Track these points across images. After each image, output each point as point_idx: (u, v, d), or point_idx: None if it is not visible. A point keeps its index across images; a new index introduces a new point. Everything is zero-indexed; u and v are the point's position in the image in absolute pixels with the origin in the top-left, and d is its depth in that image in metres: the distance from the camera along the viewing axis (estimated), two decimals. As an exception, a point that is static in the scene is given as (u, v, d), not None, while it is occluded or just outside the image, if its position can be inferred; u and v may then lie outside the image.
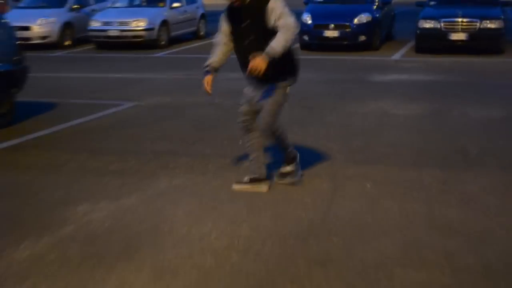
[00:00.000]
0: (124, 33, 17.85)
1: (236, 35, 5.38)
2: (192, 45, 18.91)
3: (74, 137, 7.95)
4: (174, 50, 17.76)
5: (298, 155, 5.82)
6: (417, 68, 13.36)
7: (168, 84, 11.88)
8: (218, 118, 8.76)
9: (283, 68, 5.30)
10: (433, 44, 15.74)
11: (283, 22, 5.09)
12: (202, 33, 20.84)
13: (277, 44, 5.02)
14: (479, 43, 15.41)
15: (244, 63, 5.30)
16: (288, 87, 5.47)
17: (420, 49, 15.93)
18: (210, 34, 21.52)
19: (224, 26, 5.49)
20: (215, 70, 5.64)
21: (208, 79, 5.58)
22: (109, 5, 20.41)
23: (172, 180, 6.06)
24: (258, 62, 4.98)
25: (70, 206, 5.38)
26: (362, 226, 4.85)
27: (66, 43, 18.63)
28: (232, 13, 5.37)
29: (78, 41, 18.95)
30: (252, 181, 5.72)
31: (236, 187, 5.72)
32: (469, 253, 4.34)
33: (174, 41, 18.98)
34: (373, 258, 4.29)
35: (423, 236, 4.64)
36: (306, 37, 16.21)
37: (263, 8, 5.12)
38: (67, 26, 18.79)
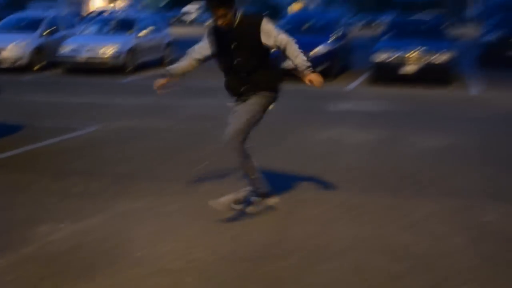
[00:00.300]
0: (92, 59, 17.73)
1: (224, 56, 5.32)
2: (158, 72, 18.82)
3: (39, 159, 7.83)
4: (140, 76, 17.68)
5: (267, 191, 5.59)
6: (371, 98, 13.50)
7: (133, 108, 11.80)
8: (180, 143, 8.72)
9: (262, 84, 5.28)
10: (386, 75, 15.94)
11: (284, 39, 5.16)
12: (168, 60, 20.79)
13: (299, 56, 5.15)
14: (429, 75, 15.65)
15: (233, 82, 5.32)
16: (271, 105, 5.40)
17: (374, 80, 16.12)
18: (175, 61, 21.52)
19: (204, 44, 5.43)
20: (171, 76, 5.63)
21: (160, 80, 5.61)
22: (79, 31, 20.32)
23: (132, 202, 5.99)
24: (319, 79, 5.08)
25: (31, 227, 5.28)
26: (314, 249, 4.85)
27: (36, 67, 18.43)
28: (219, 35, 5.29)
29: (48, 66, 18.78)
30: (262, 197, 5.58)
31: (249, 209, 5.59)
32: (415, 277, 4.37)
33: (140, 67, 18.91)
34: (323, 281, 4.29)
35: (372, 260, 4.66)
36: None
37: (255, 30, 5.12)
38: (38, 50, 18.60)
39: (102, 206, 5.87)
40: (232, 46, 5.19)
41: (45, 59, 18.79)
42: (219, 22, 5.11)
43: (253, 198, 5.57)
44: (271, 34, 5.14)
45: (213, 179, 6.81)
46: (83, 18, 35.53)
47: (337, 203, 6.00)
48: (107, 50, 17.74)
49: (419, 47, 15.86)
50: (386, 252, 4.80)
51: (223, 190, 6.34)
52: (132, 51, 18.36)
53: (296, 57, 5.16)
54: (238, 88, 5.30)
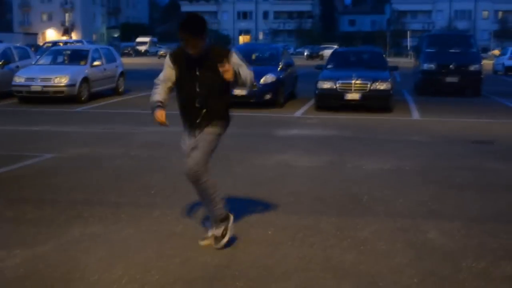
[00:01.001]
0: (46, 89, 17.46)
1: (187, 83, 5.11)
2: (111, 101, 18.67)
3: (-8, 187, 7.60)
4: (94, 105, 17.46)
5: (231, 217, 5.38)
6: (316, 124, 13.62)
7: (87, 137, 11.62)
8: (134, 169, 8.59)
9: (221, 113, 5.18)
10: (330, 102, 16.14)
11: (244, 69, 5.09)
12: (121, 89, 20.69)
13: (245, 73, 5.09)
14: (371, 102, 15.91)
15: (189, 108, 5.16)
16: (221, 133, 5.25)
17: (319, 107, 16.29)
18: (128, 90, 21.40)
19: (169, 71, 5.20)
20: (165, 101, 5.25)
21: (161, 112, 5.15)
22: (33, 62, 20.02)
23: (85, 228, 5.85)
24: (230, 69, 4.88)
25: (-16, 255, 5.09)
26: (264, 270, 4.81)
27: (-10, 97, 18.06)
28: (186, 61, 5.08)
29: (2, 96, 18.40)
30: (222, 223, 5.33)
31: (203, 242, 5.36)
32: (360, 294, 4.36)
33: (94, 96, 18.71)
34: (273, 300, 4.24)
35: (319, 278, 4.64)
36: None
37: (223, 60, 4.93)
38: (-9, 81, 18.25)
39: (56, 232, 5.71)
40: (198, 73, 5.05)
41: (-1, 89, 18.44)
42: (190, 50, 4.97)
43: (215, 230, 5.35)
44: (238, 62, 5.06)
45: (165, 204, 6.72)
46: (37, 49, 35.06)
47: (284, 225, 5.98)
48: (61, 79, 17.51)
49: (361, 76, 16.11)
50: (333, 272, 4.79)
51: (176, 214, 6.30)
52: (86, 80, 18.16)
53: (243, 72, 5.07)
54: (195, 117, 5.13)
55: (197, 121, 5.15)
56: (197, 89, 5.06)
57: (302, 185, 7.70)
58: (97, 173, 8.34)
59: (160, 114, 5.13)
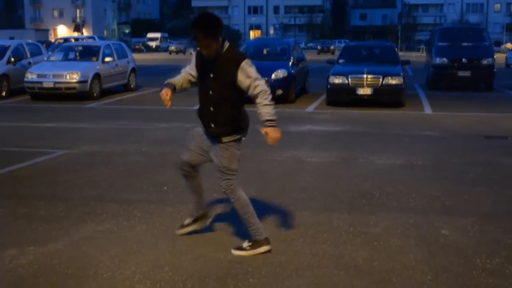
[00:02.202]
0: (58, 85, 17.52)
1: (202, 84, 4.99)
2: (123, 97, 18.72)
3: (5, 183, 7.63)
4: (105, 101, 17.51)
5: (265, 248, 5.11)
6: (328, 119, 13.58)
7: (99, 133, 11.65)
8: (145, 166, 8.61)
9: (231, 119, 4.92)
10: (342, 97, 16.09)
11: (259, 88, 4.76)
12: (132, 85, 20.73)
13: (268, 111, 4.76)
14: (382, 97, 15.85)
15: (204, 114, 5.00)
16: (238, 143, 5.09)
17: (330, 102, 16.24)
18: (140, 87, 21.45)
19: (193, 65, 5.08)
20: (173, 87, 5.06)
21: (166, 91, 4.94)
22: (45, 58, 20.11)
23: (98, 225, 5.88)
24: (274, 134, 4.76)
25: (-2, 251, 5.13)
26: (276, 267, 4.81)
27: (2, 94, 18.13)
28: (203, 62, 4.96)
29: (14, 92, 18.50)
30: (195, 221, 5.43)
31: (179, 231, 5.46)
32: (373, 291, 4.35)
33: (106, 92, 18.77)
34: (286, 297, 4.24)
35: (332, 275, 4.63)
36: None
37: (232, 67, 4.77)
38: (3, 77, 18.34)
39: (68, 229, 5.74)
40: (211, 76, 4.87)
41: (11, 86, 18.52)
42: (204, 51, 4.81)
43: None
44: (250, 76, 4.77)
45: (178, 201, 6.73)
46: (49, 45, 35.20)
47: (296, 222, 5.97)
48: (73, 76, 17.57)
49: (373, 71, 16.05)
50: (346, 268, 4.78)
51: (188, 211, 6.29)
52: (97, 76, 18.21)
53: (263, 106, 4.76)
54: (208, 123, 4.97)
55: (207, 128, 5.02)
56: (210, 93, 4.90)
57: (314, 181, 7.69)
58: (109, 170, 8.37)
59: (165, 93, 4.93)
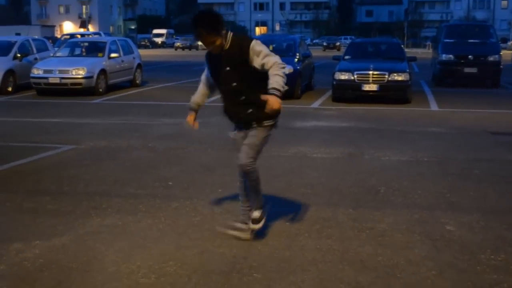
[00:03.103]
0: (64, 81, 17.57)
1: (219, 80, 5.00)
2: (129, 93, 18.75)
3: (12, 178, 7.66)
4: (111, 97, 17.55)
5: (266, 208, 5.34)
6: (333, 115, 13.57)
7: (105, 128, 11.68)
8: (151, 161, 8.63)
9: (262, 105, 4.80)
10: (348, 94, 16.07)
11: (272, 60, 4.78)
12: (138, 81, 20.77)
13: (277, 80, 4.71)
14: (388, 93, 15.82)
15: (228, 106, 5.05)
16: (272, 128, 5.09)
17: (336, 98, 16.23)
18: (145, 82, 21.48)
19: (207, 68, 5.17)
20: (198, 106, 5.34)
21: (191, 117, 5.32)
22: (51, 54, 20.16)
23: (104, 219, 5.89)
24: (273, 103, 4.63)
25: (3, 245, 5.15)
26: (281, 262, 4.81)
27: (9, 89, 18.19)
28: (212, 59, 5.01)
29: (20, 88, 18.55)
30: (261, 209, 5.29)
31: (221, 229, 5.41)
32: (378, 286, 4.36)
33: (111, 88, 18.80)
34: (290, 292, 4.25)
35: (337, 271, 4.63)
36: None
37: (244, 52, 4.79)
38: (10, 73, 18.39)
39: (74, 224, 5.76)
40: (226, 69, 4.88)
41: (17, 81, 18.57)
42: (209, 48, 4.85)
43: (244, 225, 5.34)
44: (260, 51, 4.79)
45: (183, 196, 6.75)
46: (55, 41, 35.27)
47: (301, 217, 5.98)
48: (79, 71, 17.62)
49: (379, 67, 16.03)
50: (351, 264, 4.78)
51: (194, 206, 6.32)
52: (103, 72, 18.25)
53: (274, 76, 4.73)
54: (239, 114, 4.99)
55: (240, 120, 5.06)
56: (234, 85, 4.89)
57: (319, 177, 7.69)
58: (115, 165, 8.39)
59: (189, 119, 5.28)
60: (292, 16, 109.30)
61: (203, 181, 7.42)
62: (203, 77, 5.28)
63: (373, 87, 15.75)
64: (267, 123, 4.99)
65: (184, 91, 19.21)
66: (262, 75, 4.84)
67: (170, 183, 7.34)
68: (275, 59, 4.81)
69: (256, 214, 5.23)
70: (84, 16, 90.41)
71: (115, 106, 15.59)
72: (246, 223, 5.31)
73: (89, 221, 5.86)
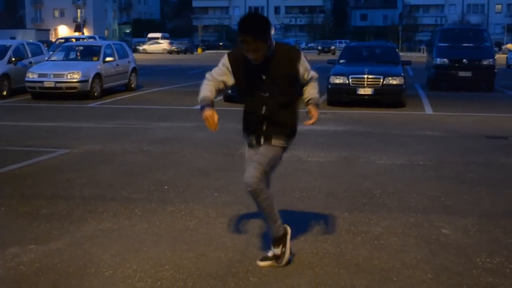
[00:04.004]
0: (59, 84, 17.56)
1: (251, 87, 4.56)
2: (124, 97, 18.74)
3: (6, 182, 7.64)
4: (106, 101, 17.54)
5: (289, 231, 4.84)
6: (328, 119, 13.59)
7: (100, 132, 11.67)
8: (146, 165, 8.62)
9: (289, 123, 4.67)
10: (343, 97, 16.11)
11: (312, 74, 4.68)
12: (133, 85, 20.77)
13: (315, 93, 4.69)
14: (383, 97, 15.87)
15: (256, 118, 4.60)
16: (284, 151, 4.73)
17: (331, 102, 16.26)
18: (140, 86, 21.47)
19: (224, 72, 4.60)
20: (212, 101, 4.59)
21: (212, 113, 4.43)
22: (46, 58, 20.14)
23: (99, 223, 5.89)
24: (316, 116, 4.63)
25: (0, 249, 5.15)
26: (276, 266, 4.81)
27: (3, 93, 18.16)
28: (248, 66, 4.48)
29: (15, 92, 18.52)
30: (276, 245, 4.82)
31: (262, 263, 4.83)
32: (374, 289, 4.37)
33: (106, 92, 18.80)
34: (286, 295, 4.25)
35: (332, 274, 4.64)
36: (229, 91, 16.27)
37: (292, 63, 4.52)
38: (5, 77, 18.36)
39: (70, 228, 5.75)
40: (264, 78, 4.49)
41: (12, 85, 18.53)
42: (251, 56, 4.37)
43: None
44: (307, 69, 4.61)
45: (179, 200, 6.75)
46: (50, 45, 35.22)
47: (296, 221, 5.98)
48: (74, 75, 17.61)
49: (374, 71, 16.06)
50: (347, 267, 4.79)
51: (189, 210, 6.32)
52: (98, 76, 18.24)
53: (313, 89, 4.71)
54: (260, 126, 4.60)
55: (259, 131, 4.64)
56: (266, 95, 4.52)
57: (314, 180, 7.70)
58: (110, 169, 8.38)
59: (210, 116, 4.42)
60: (287, 20, 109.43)
61: (198, 185, 7.43)
62: (214, 75, 4.64)
63: (368, 91, 15.79)
64: (279, 142, 4.63)
65: (179, 95, 19.23)
66: (296, 89, 4.66)
67: (166, 187, 7.34)
68: (315, 74, 4.76)
69: (277, 251, 4.78)
70: (79, 20, 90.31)
71: (110, 110, 15.58)
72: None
73: (84, 225, 5.85)
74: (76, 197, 6.87)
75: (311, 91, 4.72)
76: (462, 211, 6.40)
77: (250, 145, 4.76)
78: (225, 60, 4.61)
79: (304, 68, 4.60)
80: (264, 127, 4.59)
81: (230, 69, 4.58)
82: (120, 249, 5.16)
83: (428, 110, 15.59)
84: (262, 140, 4.64)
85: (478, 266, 4.82)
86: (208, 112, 4.43)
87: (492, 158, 9.21)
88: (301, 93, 4.77)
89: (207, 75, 4.65)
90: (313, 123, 4.65)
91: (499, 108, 15.79)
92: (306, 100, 4.72)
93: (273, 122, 4.57)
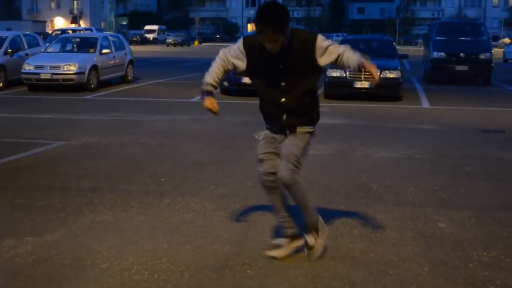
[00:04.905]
0: (56, 76, 17.50)
1: (267, 78, 4.41)
2: (120, 89, 18.70)
3: (3, 174, 7.63)
4: (103, 93, 17.50)
5: (322, 221, 4.80)
6: (325, 112, 13.54)
7: (96, 124, 11.64)
8: (143, 157, 8.61)
9: (312, 110, 4.60)
10: (340, 91, 16.09)
11: (342, 47, 4.37)
12: (130, 77, 20.72)
13: (355, 57, 4.32)
14: (380, 91, 15.83)
15: (273, 104, 4.46)
16: (311, 136, 4.66)
17: (328, 95, 16.24)
18: (137, 79, 21.42)
19: (237, 55, 4.48)
20: (214, 88, 4.58)
21: (211, 100, 4.53)
22: (42, 50, 20.07)
23: (96, 216, 5.88)
24: (375, 71, 4.26)
25: (-5, 241, 5.13)
26: (273, 258, 4.81)
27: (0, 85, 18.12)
28: (263, 53, 4.31)
29: (11, 84, 18.47)
30: (291, 241, 4.86)
31: (272, 253, 4.81)
32: (371, 283, 4.37)
33: (103, 84, 18.75)
34: (283, 288, 4.26)
35: (329, 267, 4.64)
36: (226, 83, 16.25)
37: (309, 49, 4.29)
38: (0, 69, 18.33)
39: (66, 220, 5.74)
40: (280, 67, 4.33)
41: (8, 77, 18.48)
42: (268, 46, 4.20)
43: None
44: (330, 50, 4.32)
45: (175, 192, 6.74)
46: (46, 37, 35.10)
47: (293, 214, 5.97)
48: (71, 67, 17.56)
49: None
50: (343, 260, 4.79)
51: (186, 202, 6.32)
52: (95, 68, 18.19)
53: (355, 56, 4.33)
54: (280, 115, 4.46)
55: (279, 122, 4.51)
56: (282, 84, 4.36)
57: (311, 173, 7.68)
58: (106, 161, 8.37)
59: (210, 103, 4.50)
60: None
61: (195, 178, 7.42)
62: (227, 55, 4.53)
63: (365, 84, 15.77)
64: (305, 129, 4.55)
65: (176, 88, 19.20)
66: (317, 77, 4.52)
67: (162, 179, 7.33)
68: (343, 46, 4.41)
69: (311, 240, 4.71)
70: (75, 11, 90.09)
71: (106, 102, 15.55)
72: (288, 236, 4.86)
73: (81, 217, 5.84)
74: (73, 189, 6.86)
75: (353, 55, 4.32)
76: (458, 204, 6.41)
77: (274, 133, 4.60)
78: (240, 44, 4.48)
79: (323, 47, 4.31)
80: (285, 117, 4.46)
81: (245, 54, 4.45)
82: (117, 241, 5.16)
83: (425, 103, 15.59)
84: (287, 131, 4.53)
85: (474, 260, 4.83)
86: (207, 104, 4.51)
87: (488, 152, 9.22)
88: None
89: (221, 53, 4.55)
90: (374, 81, 4.33)
91: (496, 102, 15.80)
92: (355, 62, 4.30)
93: (294, 112, 4.44)
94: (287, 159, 4.42)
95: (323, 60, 4.36)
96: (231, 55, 4.51)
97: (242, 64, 4.50)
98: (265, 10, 4.14)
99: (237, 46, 4.49)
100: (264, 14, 4.12)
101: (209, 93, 4.56)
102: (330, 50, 4.35)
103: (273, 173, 4.58)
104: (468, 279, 4.45)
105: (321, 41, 4.33)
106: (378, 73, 4.27)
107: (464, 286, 4.34)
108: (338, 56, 4.34)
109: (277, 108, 4.45)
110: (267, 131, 4.67)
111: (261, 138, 4.68)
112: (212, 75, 4.55)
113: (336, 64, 4.42)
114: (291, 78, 4.36)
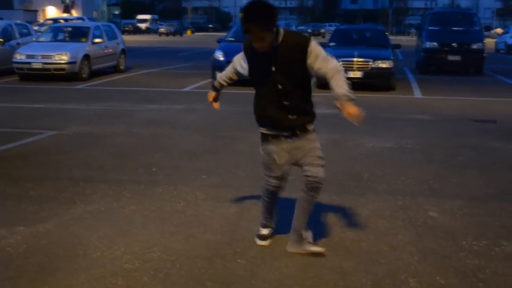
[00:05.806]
0: (47, 66, 17.42)
1: (262, 80, 4.39)
2: (112, 78, 18.63)
3: (-6, 164, 7.61)
4: (94, 82, 17.43)
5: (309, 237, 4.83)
6: (318, 102, 13.47)
7: (88, 114, 11.60)
8: (135, 147, 8.60)
9: (308, 109, 4.57)
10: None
11: (333, 65, 4.29)
12: (122, 67, 20.64)
13: (345, 87, 4.20)
14: (372, 81, 15.85)
15: (266, 110, 4.47)
16: (316, 130, 4.67)
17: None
18: (129, 68, 21.34)
19: (242, 58, 4.58)
20: (221, 86, 4.86)
21: (212, 94, 4.88)
22: (34, 39, 19.96)
23: (88, 205, 5.87)
24: (352, 109, 4.18)
25: (-14, 231, 5.12)
26: (264, 248, 4.83)
27: (-9, 74, 18.05)
28: (254, 56, 4.36)
29: (3, 73, 18.38)
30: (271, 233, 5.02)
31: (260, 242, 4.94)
32: (362, 272, 4.39)
33: (95, 74, 18.67)
34: (275, 277, 4.27)
35: (321, 257, 4.65)
36: (218, 73, 16.17)
37: (301, 52, 4.23)
38: (-9, 58, 18.22)
39: (58, 210, 5.73)
40: (273, 69, 4.29)
41: None
42: (256, 45, 4.20)
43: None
44: (319, 57, 4.26)
45: (167, 182, 6.74)
46: (39, 26, 34.91)
47: (285, 203, 5.97)
48: (62, 57, 17.48)
49: (363, 54, 16.05)
50: (335, 249, 4.81)
51: (178, 192, 6.31)
52: (87, 58, 18.11)
53: (341, 87, 4.21)
54: (285, 119, 4.43)
55: (285, 126, 4.49)
56: (279, 87, 4.33)
57: (303, 163, 7.69)
58: (99, 151, 8.34)
59: (210, 96, 4.89)
60: (277, 3, 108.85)
61: (187, 167, 7.42)
62: (236, 59, 4.68)
63: (357, 74, 15.77)
64: (311, 127, 4.58)
65: (168, 77, 19.14)
66: (310, 79, 4.49)
67: (154, 169, 7.32)
68: (335, 62, 4.34)
69: (307, 234, 4.79)
70: (67, 1, 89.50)
71: (98, 91, 15.49)
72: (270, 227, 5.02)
73: (73, 207, 5.83)
74: (65, 179, 6.84)
75: (336, 85, 4.23)
76: (450, 194, 6.43)
77: (275, 139, 4.60)
78: (244, 49, 4.51)
79: (315, 55, 4.25)
80: (290, 117, 4.43)
81: (245, 57, 4.51)
82: (108, 231, 5.15)
83: (417, 93, 15.61)
84: (287, 135, 4.52)
85: (464, 249, 4.86)
86: (209, 94, 4.94)
87: (480, 142, 9.25)
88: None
89: (235, 58, 4.71)
90: (352, 118, 4.26)
91: (488, 92, 15.84)
92: (339, 98, 4.21)
93: (292, 113, 4.42)
94: (317, 163, 4.59)
95: (310, 62, 4.28)
96: (236, 59, 4.68)
97: (245, 66, 4.58)
98: (250, 8, 4.11)
99: (242, 54, 4.58)
100: (249, 13, 4.09)
101: (215, 89, 4.90)
102: (318, 56, 4.27)
103: (282, 178, 4.78)
104: (459, 268, 4.48)
105: (313, 45, 4.28)
106: (360, 112, 4.22)
107: (455, 275, 4.36)
108: (320, 68, 4.29)
109: (278, 112, 4.42)
110: (272, 147, 4.63)
111: (274, 150, 4.64)
112: (222, 75, 4.87)
113: (319, 75, 4.39)
114: (285, 81, 4.32)
